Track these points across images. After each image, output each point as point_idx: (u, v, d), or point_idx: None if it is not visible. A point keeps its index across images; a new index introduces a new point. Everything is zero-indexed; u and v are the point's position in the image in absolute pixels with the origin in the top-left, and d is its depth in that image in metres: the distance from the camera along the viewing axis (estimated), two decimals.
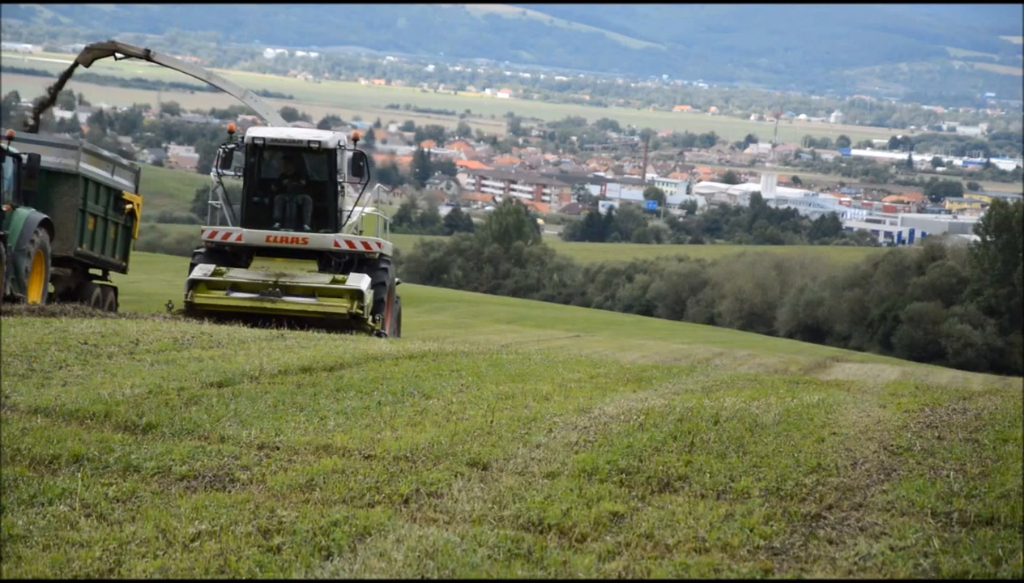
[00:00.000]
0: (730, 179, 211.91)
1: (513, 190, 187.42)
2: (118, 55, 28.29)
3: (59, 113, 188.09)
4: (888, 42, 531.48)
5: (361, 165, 24.15)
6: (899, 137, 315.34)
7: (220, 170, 24.43)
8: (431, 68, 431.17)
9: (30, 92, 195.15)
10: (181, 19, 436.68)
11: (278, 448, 9.57)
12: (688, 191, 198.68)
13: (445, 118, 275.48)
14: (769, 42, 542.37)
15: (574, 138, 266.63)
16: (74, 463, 8.77)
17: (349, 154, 24.43)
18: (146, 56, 28.27)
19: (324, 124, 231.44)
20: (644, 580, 7.03)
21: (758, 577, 7.12)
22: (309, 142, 24.22)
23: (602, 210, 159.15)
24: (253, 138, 24.14)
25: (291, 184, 24.43)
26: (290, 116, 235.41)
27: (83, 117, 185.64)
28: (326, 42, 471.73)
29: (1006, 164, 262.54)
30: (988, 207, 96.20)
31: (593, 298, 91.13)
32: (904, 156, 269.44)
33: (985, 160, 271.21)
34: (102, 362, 13.05)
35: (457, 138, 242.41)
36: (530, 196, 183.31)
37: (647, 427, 10.77)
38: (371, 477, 8.76)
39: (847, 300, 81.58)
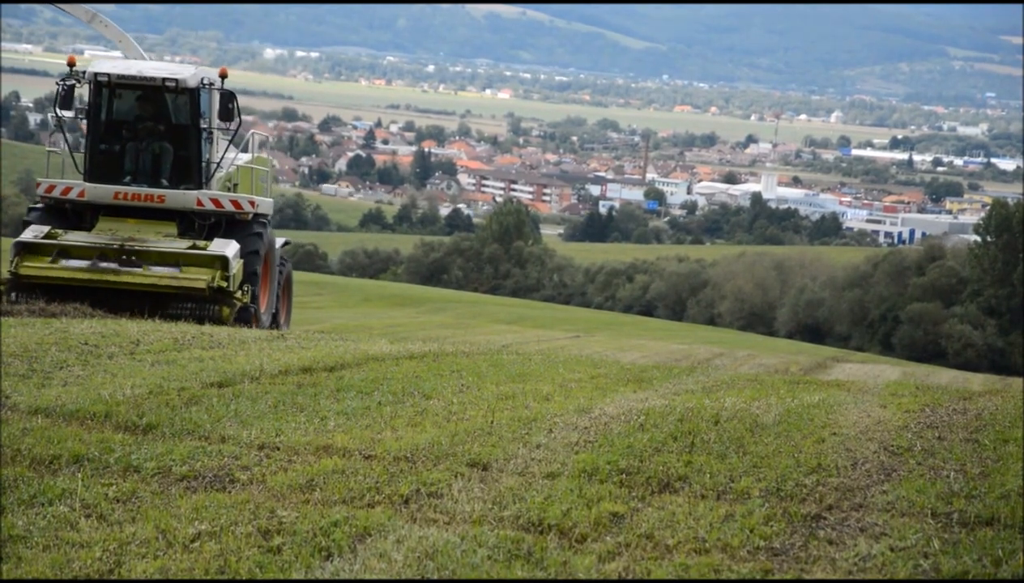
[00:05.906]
0: (730, 179, 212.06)
1: (513, 190, 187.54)
2: None
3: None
4: (888, 42, 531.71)
5: (230, 107, 20.20)
6: (899, 137, 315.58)
7: (59, 111, 20.34)
8: (431, 68, 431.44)
9: (30, 92, 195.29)
10: (181, 19, 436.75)
11: (278, 448, 9.56)
12: (688, 191, 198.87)
13: (445, 118, 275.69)
14: (769, 42, 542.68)
15: (574, 138, 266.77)
16: (74, 463, 8.75)
17: (216, 95, 20.56)
18: None
19: (324, 124, 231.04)
20: (644, 580, 7.02)
21: (758, 577, 7.12)
22: (165, 80, 20.12)
23: (602, 210, 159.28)
24: (96, 74, 20.22)
25: (145, 130, 20.54)
26: (291, 115, 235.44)
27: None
28: (326, 42, 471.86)
29: (1006, 164, 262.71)
30: (988, 207, 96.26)
31: (593, 298, 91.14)
32: (904, 156, 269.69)
33: (985, 160, 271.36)
34: (102, 362, 13.04)
35: (457, 138, 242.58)
36: (530, 196, 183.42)
37: (647, 427, 10.76)
38: (371, 477, 8.75)
39: (847, 300, 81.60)
